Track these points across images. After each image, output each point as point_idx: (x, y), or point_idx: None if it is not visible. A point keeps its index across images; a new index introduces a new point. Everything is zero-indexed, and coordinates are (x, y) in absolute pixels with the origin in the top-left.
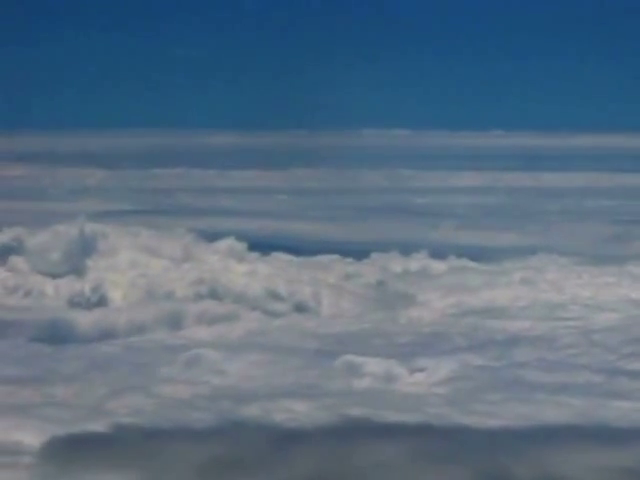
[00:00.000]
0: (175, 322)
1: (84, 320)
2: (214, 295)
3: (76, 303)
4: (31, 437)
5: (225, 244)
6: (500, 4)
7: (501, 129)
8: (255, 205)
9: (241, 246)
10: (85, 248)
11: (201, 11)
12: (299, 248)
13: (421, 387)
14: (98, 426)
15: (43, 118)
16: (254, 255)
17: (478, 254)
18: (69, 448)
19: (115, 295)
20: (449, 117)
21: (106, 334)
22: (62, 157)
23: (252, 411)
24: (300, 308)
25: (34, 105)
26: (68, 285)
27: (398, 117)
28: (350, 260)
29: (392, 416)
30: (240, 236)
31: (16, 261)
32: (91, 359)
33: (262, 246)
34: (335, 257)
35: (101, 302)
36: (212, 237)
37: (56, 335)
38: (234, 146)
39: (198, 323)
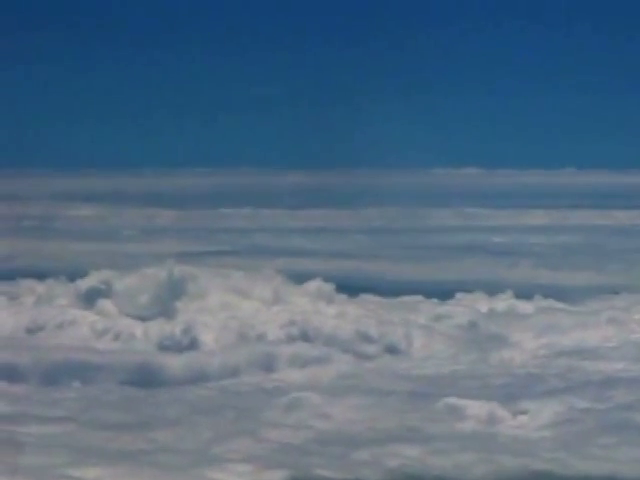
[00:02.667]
0: (268, 365)
1: (175, 363)
2: (305, 337)
3: (166, 346)
4: None
5: (313, 285)
6: (568, 39)
7: (573, 167)
8: (331, 245)
9: (329, 287)
10: (174, 290)
11: (267, 48)
12: (383, 288)
13: (526, 430)
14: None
15: (109, 158)
16: (342, 297)
17: (561, 294)
18: None
19: (206, 338)
20: (520, 155)
21: (198, 377)
22: (129, 197)
23: (363, 456)
24: (391, 350)
25: (100, 145)
26: (158, 328)
27: (468, 156)
28: (435, 300)
29: (511, 461)
30: (325, 277)
31: (104, 304)
32: (189, 403)
33: (348, 287)
34: (419, 298)
35: (192, 345)
36: (297, 278)
37: (147, 379)
38: (300, 185)
39: (290, 366)
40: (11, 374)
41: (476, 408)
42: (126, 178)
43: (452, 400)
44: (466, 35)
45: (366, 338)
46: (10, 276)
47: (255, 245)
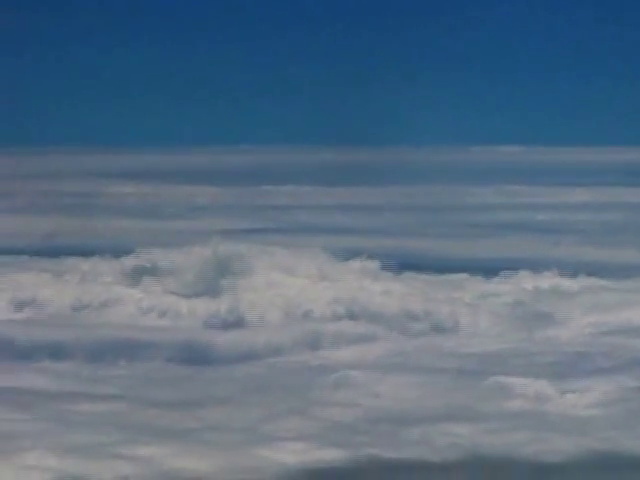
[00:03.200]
0: (314, 342)
1: (221, 341)
2: (351, 315)
3: (212, 324)
4: (197, 463)
5: (358, 263)
6: (610, 13)
7: (616, 144)
8: (372, 222)
9: (374, 265)
10: (220, 268)
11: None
12: (427, 266)
13: (575, 409)
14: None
15: (150, 135)
16: (387, 274)
17: (605, 271)
18: None
19: (252, 315)
20: (561, 132)
21: (245, 355)
22: (170, 174)
23: (413, 435)
24: (438, 328)
25: (141, 121)
26: (204, 306)
27: (508, 133)
28: (479, 278)
29: (562, 440)
30: (369, 254)
31: (150, 282)
32: (237, 381)
33: (392, 265)
34: (464, 275)
35: (238, 323)
36: (342, 255)
37: (193, 356)
38: (340, 162)
39: (336, 343)
40: (57, 352)
41: (524, 386)
42: (167, 155)
43: (500, 378)
44: (504, 9)
45: (412, 316)
46: (54, 253)
47: (298, 222)
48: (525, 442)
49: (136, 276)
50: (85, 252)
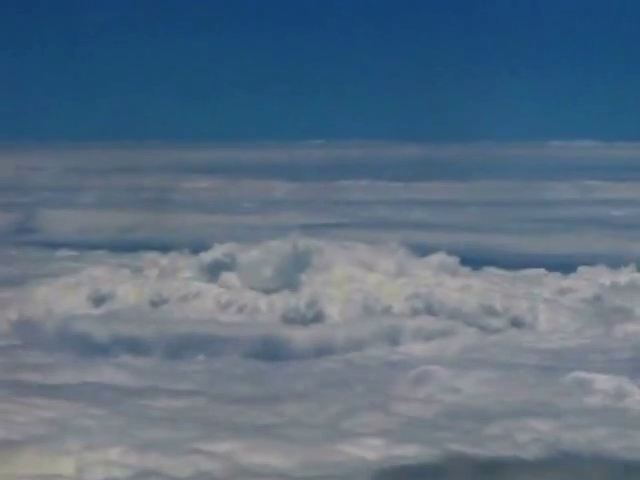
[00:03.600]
0: (392, 338)
1: (300, 336)
2: (430, 310)
3: (291, 319)
4: (277, 459)
5: (437, 258)
6: None
7: None
8: (449, 218)
9: (452, 260)
10: (299, 263)
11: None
12: (505, 261)
13: None
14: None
15: (225, 130)
16: (466, 270)
17: None
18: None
19: (331, 310)
20: (638, 127)
21: (324, 350)
22: (247, 169)
23: (495, 430)
24: (516, 323)
25: (216, 117)
26: (282, 301)
27: (585, 128)
28: (557, 274)
29: None
30: (447, 250)
31: (228, 277)
32: (316, 376)
33: (470, 260)
34: (542, 271)
35: (317, 318)
36: (419, 251)
37: (272, 351)
38: (415, 158)
39: (415, 339)
40: (136, 347)
41: (604, 382)
42: (243, 150)
43: (580, 374)
44: (581, 5)
45: (491, 311)
46: (132, 248)
47: (375, 217)
48: (607, 438)
49: (215, 271)
50: (163, 247)
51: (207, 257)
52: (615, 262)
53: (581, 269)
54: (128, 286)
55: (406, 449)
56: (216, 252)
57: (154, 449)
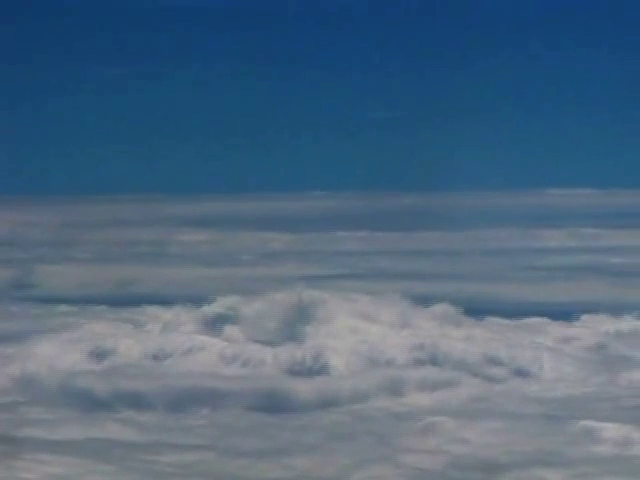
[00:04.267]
0: (397, 389)
1: (305, 388)
2: (434, 361)
3: (296, 371)
4: None
5: (440, 309)
6: None
7: None
8: (449, 267)
9: (456, 311)
10: (303, 315)
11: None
12: (507, 311)
13: None
14: None
15: (220, 182)
16: (469, 320)
17: None
18: None
19: (336, 362)
20: (636, 175)
21: (329, 402)
22: (243, 222)
23: None
24: (521, 372)
25: (211, 169)
26: (287, 353)
27: (582, 176)
28: (560, 322)
29: None
30: (448, 299)
31: (232, 330)
32: (322, 428)
33: (473, 310)
34: (545, 320)
35: (322, 370)
36: (421, 301)
37: (277, 404)
38: (412, 208)
39: (420, 390)
40: (139, 402)
41: (612, 431)
42: (239, 202)
43: (587, 423)
44: (572, 52)
45: (495, 361)
46: (133, 303)
47: (374, 268)
48: None
49: (218, 324)
50: (164, 301)
51: (210, 310)
52: (617, 310)
53: (584, 317)
54: (130, 341)
55: None
56: (219, 305)
57: None
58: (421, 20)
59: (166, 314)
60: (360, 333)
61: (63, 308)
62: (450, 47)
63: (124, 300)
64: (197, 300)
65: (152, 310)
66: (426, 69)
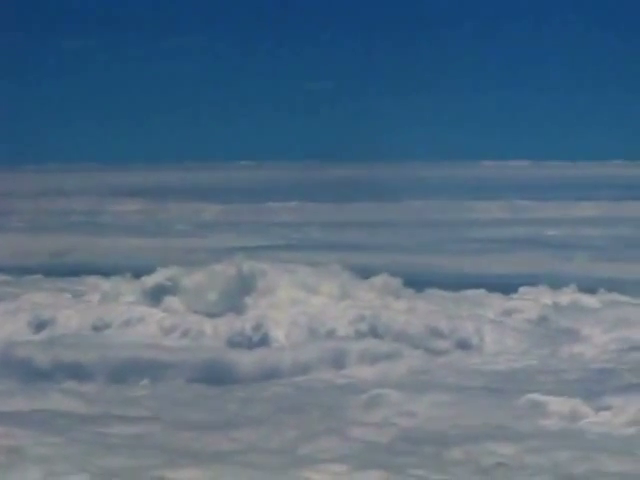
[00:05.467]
0: (338, 361)
1: (246, 360)
2: (375, 333)
3: (236, 343)
4: None
5: (379, 280)
6: (612, 30)
7: (621, 159)
8: (384, 239)
9: (396, 282)
10: (244, 286)
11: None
12: (446, 283)
13: (611, 427)
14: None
15: (151, 152)
16: (409, 291)
17: (623, 286)
18: None
19: (277, 334)
20: (568, 147)
21: (270, 374)
22: (173, 191)
23: (457, 455)
24: (463, 345)
25: (143, 138)
26: (227, 324)
27: (516, 149)
28: (499, 294)
29: (608, 460)
30: (387, 271)
31: (172, 301)
32: (266, 400)
33: (412, 282)
34: (483, 292)
35: (263, 341)
36: (360, 273)
37: (218, 376)
38: (345, 178)
39: (361, 362)
40: (79, 373)
41: (558, 404)
42: (169, 172)
43: (533, 396)
44: (511, 25)
45: (436, 333)
46: (69, 273)
47: (309, 239)
48: (571, 461)
49: (158, 295)
50: (103, 271)
51: (149, 281)
52: (555, 282)
53: (522, 289)
54: (69, 311)
55: (370, 475)
56: (158, 276)
57: (117, 477)
58: None
59: (105, 284)
60: (301, 304)
61: None
62: (388, 16)
63: (61, 270)
64: (136, 270)
65: (90, 280)
66: (364, 39)
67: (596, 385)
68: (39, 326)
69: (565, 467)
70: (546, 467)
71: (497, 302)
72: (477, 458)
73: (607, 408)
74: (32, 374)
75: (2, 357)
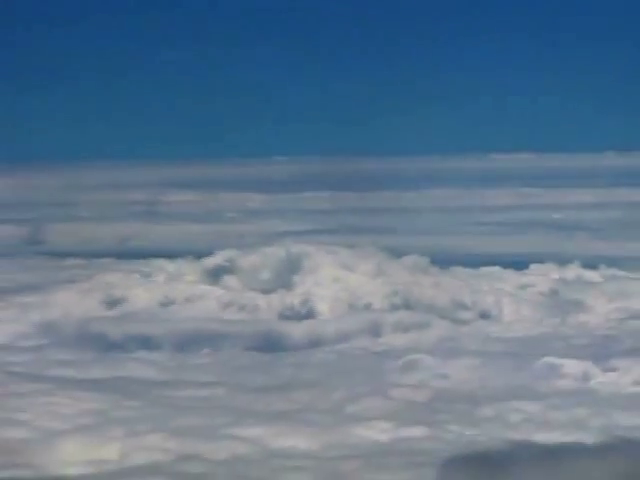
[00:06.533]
0: (375, 330)
1: (295, 330)
2: (407, 306)
3: (286, 316)
4: (302, 442)
5: (410, 260)
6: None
7: (613, 150)
8: (407, 223)
9: (424, 261)
10: (292, 266)
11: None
12: (466, 261)
13: (619, 386)
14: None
15: (204, 148)
16: (435, 269)
17: (621, 262)
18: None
19: (321, 307)
20: (567, 141)
21: (316, 342)
22: (222, 183)
23: (487, 412)
24: (484, 315)
25: (196, 137)
26: (278, 300)
27: (522, 142)
28: (513, 271)
29: (621, 415)
30: (416, 252)
31: (229, 280)
32: (313, 365)
33: (438, 260)
34: (499, 269)
35: (309, 314)
36: (393, 253)
37: (271, 345)
38: (368, 171)
39: (395, 331)
40: (149, 343)
41: (572, 366)
42: (219, 166)
43: (549, 359)
44: (516, 24)
45: (461, 305)
46: (134, 256)
47: (342, 224)
48: (588, 417)
49: (217, 275)
50: (166, 254)
51: (209, 262)
52: (561, 260)
53: (533, 266)
54: (139, 290)
55: (413, 431)
56: (217, 258)
57: (190, 435)
58: None
59: (169, 266)
60: (341, 282)
61: (72, 261)
62: (408, 19)
63: (128, 253)
64: (195, 253)
65: (156, 262)
66: (379, 41)
67: (602, 349)
68: (112, 303)
69: (582, 422)
70: (566, 422)
71: (512, 277)
72: (505, 415)
73: (614, 369)
74: (107, 346)
75: (80, 331)
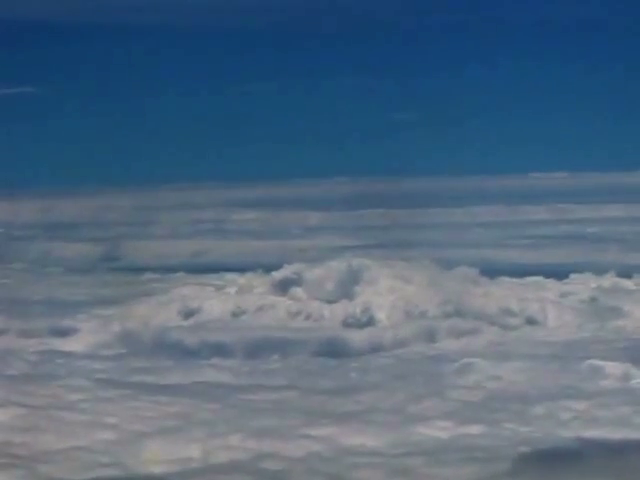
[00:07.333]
0: (429, 336)
1: (357, 337)
2: (458, 313)
3: (349, 323)
4: (371, 440)
5: (460, 271)
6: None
7: None
8: (455, 238)
9: (473, 272)
10: (353, 278)
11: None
12: (512, 272)
13: None
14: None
15: (265, 170)
16: (484, 279)
17: None
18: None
19: (380, 316)
20: (600, 160)
21: (375, 348)
22: (283, 202)
23: (540, 411)
24: (530, 321)
25: (259, 159)
26: (341, 309)
27: (558, 162)
28: (554, 280)
29: None
30: (466, 264)
31: (296, 291)
32: (374, 369)
33: (486, 271)
34: (542, 279)
35: (369, 322)
36: (444, 265)
37: (335, 350)
38: (420, 190)
39: (448, 337)
40: (222, 351)
41: (613, 368)
42: (280, 187)
43: (592, 362)
44: (550, 44)
45: (508, 312)
46: (209, 270)
47: (396, 239)
48: (633, 414)
49: (285, 286)
50: (236, 268)
51: (278, 275)
52: (598, 270)
53: (572, 276)
54: (212, 301)
55: (471, 429)
56: (285, 271)
57: (266, 435)
58: None
59: (240, 279)
60: (398, 292)
61: (148, 276)
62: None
63: (200, 268)
64: (263, 267)
65: (228, 276)
66: (427, 71)
67: (638, 352)
68: (188, 314)
69: (628, 420)
70: (614, 419)
71: (554, 286)
72: (556, 413)
73: None
74: (184, 353)
75: (159, 340)
